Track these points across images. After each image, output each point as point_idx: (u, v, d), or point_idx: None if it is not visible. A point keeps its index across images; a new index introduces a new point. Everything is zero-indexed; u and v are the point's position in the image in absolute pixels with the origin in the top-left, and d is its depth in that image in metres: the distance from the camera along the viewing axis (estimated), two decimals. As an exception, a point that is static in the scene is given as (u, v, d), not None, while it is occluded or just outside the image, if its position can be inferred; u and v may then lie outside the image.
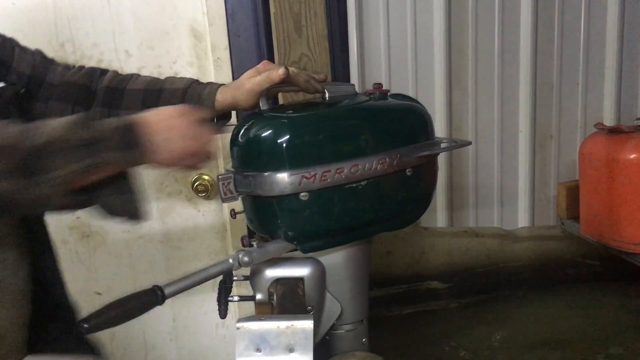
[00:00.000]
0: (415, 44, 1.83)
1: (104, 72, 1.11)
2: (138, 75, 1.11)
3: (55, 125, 0.77)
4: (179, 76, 1.15)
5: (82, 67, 1.10)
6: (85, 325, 0.80)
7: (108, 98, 1.06)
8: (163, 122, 0.85)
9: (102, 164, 0.79)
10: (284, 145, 0.95)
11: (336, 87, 1.12)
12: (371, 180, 0.99)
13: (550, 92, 1.99)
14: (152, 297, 0.86)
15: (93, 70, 1.10)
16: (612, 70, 2.00)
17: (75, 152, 0.77)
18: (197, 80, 1.10)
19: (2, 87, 0.97)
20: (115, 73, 1.12)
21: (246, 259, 0.94)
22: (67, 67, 1.10)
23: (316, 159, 0.95)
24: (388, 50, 1.81)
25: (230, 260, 0.95)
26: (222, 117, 1.11)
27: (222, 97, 1.06)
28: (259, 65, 1.07)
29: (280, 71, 1.02)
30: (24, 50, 1.06)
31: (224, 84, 1.09)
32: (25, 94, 1.03)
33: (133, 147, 0.82)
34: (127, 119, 0.83)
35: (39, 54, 1.08)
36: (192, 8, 1.65)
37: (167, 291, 0.86)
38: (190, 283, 0.90)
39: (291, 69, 1.05)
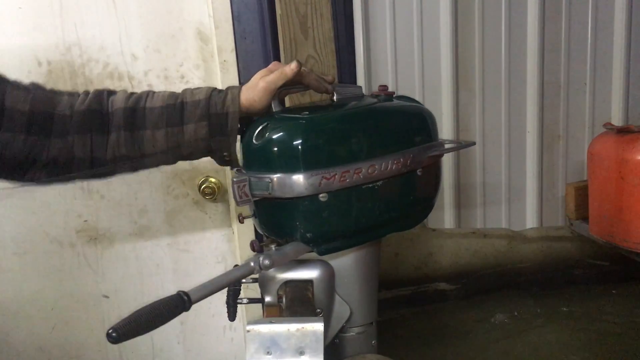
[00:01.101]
0: (421, 44, 1.82)
1: (111, 93, 1.05)
2: (152, 92, 1.05)
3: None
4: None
5: (87, 93, 1.04)
6: (114, 335, 0.79)
7: (129, 120, 1.00)
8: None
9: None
10: (305, 146, 0.95)
11: (344, 88, 1.12)
12: (386, 180, 1.00)
13: (557, 92, 1.98)
14: (179, 303, 0.85)
15: (100, 93, 1.04)
16: (620, 70, 1.99)
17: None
18: (215, 88, 1.06)
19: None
20: (126, 92, 1.06)
21: (267, 262, 0.94)
22: (72, 95, 1.03)
23: (335, 160, 0.96)
24: (394, 51, 1.80)
25: (252, 264, 0.94)
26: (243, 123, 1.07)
27: (244, 99, 1.03)
28: (270, 66, 1.06)
29: (293, 65, 1.01)
30: (16, 87, 0.98)
31: (236, 86, 1.07)
32: (41, 125, 0.96)
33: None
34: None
35: (36, 88, 1.01)
36: (198, 11, 1.65)
37: (193, 297, 0.85)
38: (214, 288, 0.90)
39: (303, 67, 1.04)
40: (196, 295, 0.86)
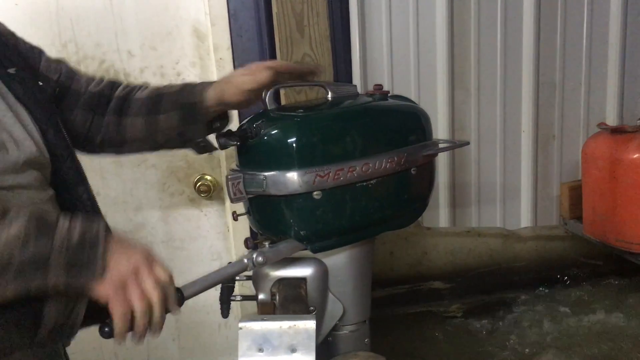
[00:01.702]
0: (417, 43, 1.83)
1: (120, 84, 1.15)
2: (147, 86, 1.14)
3: (1, 238, 0.72)
4: (183, 78, 1.16)
5: (102, 79, 1.14)
6: (106, 330, 0.80)
7: (118, 107, 1.09)
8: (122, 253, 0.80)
9: (45, 288, 0.75)
10: (299, 143, 0.96)
11: (339, 87, 1.13)
12: (380, 178, 1.00)
13: (552, 92, 1.98)
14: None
15: (113, 82, 1.14)
16: (615, 70, 2.00)
17: (21, 273, 0.73)
18: (192, 83, 1.12)
19: (42, 85, 1.00)
20: (127, 85, 1.15)
21: (260, 259, 0.94)
22: (90, 78, 1.13)
23: (329, 158, 0.96)
24: (390, 50, 1.81)
25: (245, 261, 0.95)
26: (219, 118, 1.10)
27: (213, 91, 1.06)
28: (252, 66, 1.07)
29: (266, 74, 1.03)
30: (50, 58, 1.10)
31: (209, 81, 1.10)
32: (59, 94, 1.06)
33: (83, 270, 0.76)
34: (92, 231, 0.79)
35: (64, 63, 1.11)
36: (195, 8, 1.65)
37: (186, 293, 0.86)
38: (207, 284, 0.90)
39: (280, 63, 1.05)
40: (189, 291, 0.87)
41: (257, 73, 1.04)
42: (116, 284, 0.78)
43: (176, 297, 0.83)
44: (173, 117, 1.06)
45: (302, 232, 0.99)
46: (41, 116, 0.91)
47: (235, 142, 0.99)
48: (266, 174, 0.97)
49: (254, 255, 0.95)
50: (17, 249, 0.73)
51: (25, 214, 0.75)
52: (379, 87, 1.11)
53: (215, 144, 1.08)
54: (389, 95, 1.12)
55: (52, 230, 0.76)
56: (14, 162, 0.83)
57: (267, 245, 0.98)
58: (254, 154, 1.01)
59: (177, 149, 1.14)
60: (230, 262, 1.00)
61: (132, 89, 1.13)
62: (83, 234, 0.78)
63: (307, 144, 0.96)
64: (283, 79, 1.08)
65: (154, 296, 0.79)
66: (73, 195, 0.94)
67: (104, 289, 0.78)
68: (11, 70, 0.92)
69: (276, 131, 0.98)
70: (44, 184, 0.90)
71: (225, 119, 1.12)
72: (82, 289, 0.78)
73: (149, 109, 1.08)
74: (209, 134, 1.09)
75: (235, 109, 1.11)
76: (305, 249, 1.01)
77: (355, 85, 1.18)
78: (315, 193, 0.96)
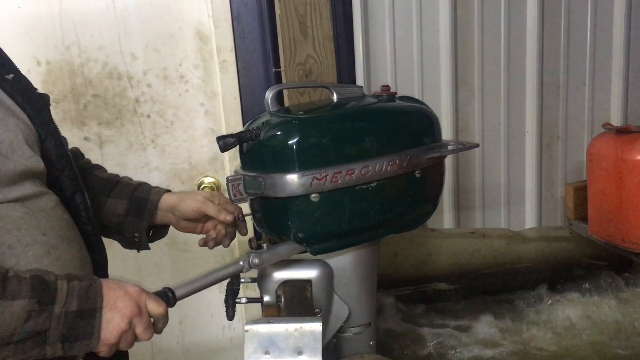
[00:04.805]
0: (421, 44, 1.82)
1: (82, 154, 1.19)
2: (106, 170, 1.18)
3: (5, 317, 0.74)
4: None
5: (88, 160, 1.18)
6: None
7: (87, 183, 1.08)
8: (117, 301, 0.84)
9: (42, 356, 0.78)
10: (296, 146, 0.95)
11: (344, 88, 1.12)
12: (381, 181, 1.00)
13: (557, 92, 1.98)
14: (164, 299, 0.86)
15: (77, 151, 1.16)
16: (619, 70, 1.99)
17: (20, 347, 0.75)
18: (151, 185, 1.15)
19: (41, 93, 0.99)
20: (89, 160, 1.19)
21: (256, 260, 0.94)
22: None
23: (327, 160, 0.96)
24: (394, 51, 1.80)
25: (241, 262, 0.94)
26: (159, 227, 1.14)
27: (170, 197, 1.10)
28: (215, 199, 1.09)
29: (229, 217, 1.06)
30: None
31: (166, 189, 1.13)
32: None
33: (80, 341, 0.80)
34: (88, 299, 0.80)
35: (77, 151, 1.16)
36: (198, 10, 1.65)
37: (178, 293, 0.86)
38: (200, 285, 0.90)
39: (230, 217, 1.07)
40: (181, 291, 0.87)
41: (222, 210, 1.06)
42: (110, 344, 0.83)
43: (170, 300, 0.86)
44: (120, 205, 1.08)
45: (300, 234, 0.99)
46: (40, 123, 0.91)
47: (235, 144, 0.99)
48: (264, 175, 0.97)
49: (251, 257, 0.95)
50: (19, 326, 0.75)
51: (27, 284, 0.76)
52: (386, 88, 1.10)
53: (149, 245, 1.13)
54: (396, 96, 1.11)
55: (52, 298, 0.78)
56: (12, 172, 0.82)
57: (264, 247, 0.98)
58: (252, 155, 1.01)
59: (104, 236, 1.10)
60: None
61: (94, 166, 1.16)
62: (80, 303, 0.79)
63: (303, 146, 0.96)
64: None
65: (145, 338, 0.87)
66: (70, 204, 0.94)
67: (98, 348, 0.83)
68: (9, 77, 0.91)
69: (273, 133, 0.98)
70: (47, 191, 0.89)
71: (164, 232, 1.15)
72: (77, 354, 0.81)
73: (101, 189, 1.09)
74: (145, 236, 1.11)
75: (180, 223, 1.11)
76: (305, 251, 1.01)
77: (361, 87, 1.18)
78: (312, 195, 0.96)
